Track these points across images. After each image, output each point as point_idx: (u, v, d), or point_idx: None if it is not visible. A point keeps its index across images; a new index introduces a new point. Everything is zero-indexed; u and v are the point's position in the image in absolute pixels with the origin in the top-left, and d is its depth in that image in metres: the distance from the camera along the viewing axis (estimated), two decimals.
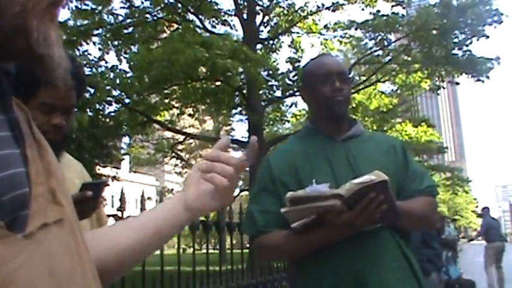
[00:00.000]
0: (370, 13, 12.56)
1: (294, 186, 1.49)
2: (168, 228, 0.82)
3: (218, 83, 12.20)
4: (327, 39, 15.49)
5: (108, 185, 1.39)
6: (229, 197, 0.81)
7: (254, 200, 1.65)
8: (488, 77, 11.94)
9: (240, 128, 56.36)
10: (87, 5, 11.94)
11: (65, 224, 0.61)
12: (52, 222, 0.58)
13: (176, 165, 25.40)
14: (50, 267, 0.55)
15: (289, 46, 15.23)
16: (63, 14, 12.31)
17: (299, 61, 13.63)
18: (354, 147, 1.62)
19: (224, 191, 0.78)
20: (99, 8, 12.13)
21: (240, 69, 10.78)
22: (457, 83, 13.34)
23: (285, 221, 1.51)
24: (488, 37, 11.63)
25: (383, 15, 12.36)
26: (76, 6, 11.83)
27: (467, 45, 11.88)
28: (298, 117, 17.85)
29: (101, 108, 11.69)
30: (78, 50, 11.28)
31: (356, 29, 13.12)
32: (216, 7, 13.63)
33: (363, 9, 13.90)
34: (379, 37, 12.58)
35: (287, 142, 1.84)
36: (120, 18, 12.62)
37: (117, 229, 0.84)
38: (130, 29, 12.87)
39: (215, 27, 13.87)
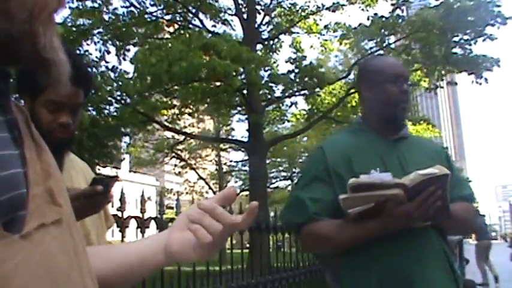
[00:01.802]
0: (368, 18, 12.52)
1: (348, 177, 1.49)
2: (143, 267, 0.79)
3: (218, 83, 12.20)
4: (327, 40, 15.49)
5: (118, 180, 1.37)
6: (211, 253, 0.75)
7: (305, 188, 1.63)
8: (486, 80, 11.94)
9: (240, 128, 56.33)
10: (87, 6, 11.92)
11: (63, 225, 0.61)
12: (50, 223, 0.58)
13: (176, 165, 25.40)
14: (47, 267, 0.55)
15: (289, 46, 15.23)
16: (63, 14, 12.28)
17: (303, 59, 13.57)
18: (404, 148, 1.65)
19: (206, 246, 0.72)
20: (100, 8, 12.12)
21: (241, 70, 10.77)
22: (456, 83, 13.33)
23: (337, 211, 1.52)
24: (496, 39, 11.60)
25: (381, 17, 12.33)
26: (76, 6, 11.82)
27: (470, 45, 11.86)
28: (298, 117, 17.84)
29: (102, 107, 11.69)
30: (79, 50, 11.27)
31: (355, 36, 13.09)
32: (216, 7, 13.62)
33: (363, 9, 13.90)
34: (379, 38, 12.55)
35: (338, 135, 1.86)
36: (121, 17, 12.61)
37: (96, 253, 0.82)
38: (131, 29, 12.85)
39: (215, 26, 13.88)
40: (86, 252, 0.66)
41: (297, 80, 12.82)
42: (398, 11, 12.66)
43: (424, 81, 14.39)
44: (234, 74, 10.84)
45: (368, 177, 1.45)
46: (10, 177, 0.55)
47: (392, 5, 12.62)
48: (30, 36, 0.60)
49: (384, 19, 12.29)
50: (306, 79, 12.55)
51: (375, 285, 1.50)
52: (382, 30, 12.27)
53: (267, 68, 12.91)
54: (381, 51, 13.07)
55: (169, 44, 11.17)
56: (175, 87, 12.52)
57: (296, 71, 12.85)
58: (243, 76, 11.16)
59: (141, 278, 0.83)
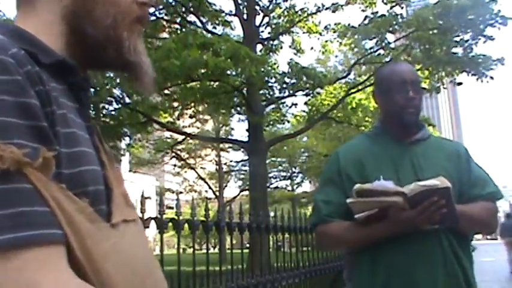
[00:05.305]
0: (366, 17, 12.52)
1: (358, 181, 1.57)
2: None
3: (218, 83, 12.18)
4: (327, 41, 15.47)
5: None
6: None
7: (320, 190, 1.75)
8: (492, 78, 11.88)
9: (240, 128, 56.36)
10: None
11: (137, 224, 0.71)
12: (130, 220, 0.67)
13: (175, 165, 25.39)
14: (133, 257, 0.64)
15: (289, 47, 15.21)
16: None
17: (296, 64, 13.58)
18: (419, 150, 1.68)
19: None
20: None
21: (239, 69, 10.75)
22: (459, 83, 13.26)
23: (347, 212, 1.60)
24: (493, 39, 11.58)
25: (381, 16, 12.33)
26: None
27: (470, 46, 11.84)
28: (298, 117, 17.84)
29: (101, 107, 11.66)
30: None
31: (354, 34, 13.09)
32: (216, 7, 13.61)
33: (363, 10, 13.88)
34: (379, 37, 12.54)
35: (355, 139, 1.91)
36: None
37: None
38: None
39: (215, 27, 13.86)
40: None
41: (296, 80, 12.79)
42: (397, 9, 12.65)
43: (425, 82, 14.38)
44: (234, 73, 10.81)
45: (371, 184, 1.53)
46: (95, 172, 0.62)
47: (391, 1, 12.61)
48: (114, 42, 0.66)
49: (382, 17, 12.28)
50: (305, 79, 12.53)
51: (381, 286, 1.55)
52: (381, 29, 12.25)
53: (266, 68, 12.89)
54: (381, 51, 13.06)
55: (167, 43, 11.14)
56: (175, 87, 12.50)
57: (295, 72, 12.82)
58: (242, 76, 11.13)
59: None
